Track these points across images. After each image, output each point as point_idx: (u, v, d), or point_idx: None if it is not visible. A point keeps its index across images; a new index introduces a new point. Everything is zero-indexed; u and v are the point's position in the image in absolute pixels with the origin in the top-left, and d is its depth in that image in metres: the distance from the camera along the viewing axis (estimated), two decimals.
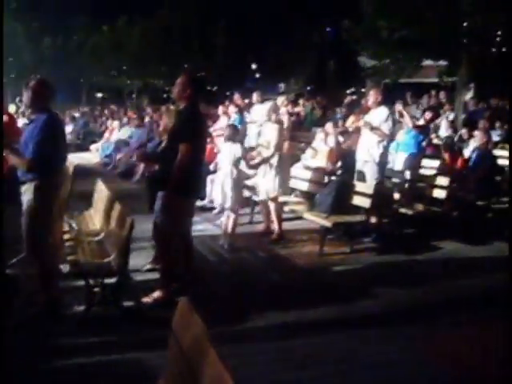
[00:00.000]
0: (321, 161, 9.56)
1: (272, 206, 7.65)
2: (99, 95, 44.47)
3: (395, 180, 8.68)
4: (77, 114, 24.53)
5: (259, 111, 9.17)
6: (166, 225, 5.24)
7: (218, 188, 7.29)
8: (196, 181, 5.42)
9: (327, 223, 6.92)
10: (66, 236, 5.78)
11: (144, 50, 30.94)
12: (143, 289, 5.42)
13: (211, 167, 9.54)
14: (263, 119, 7.92)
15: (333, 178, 8.85)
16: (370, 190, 7.17)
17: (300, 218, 7.97)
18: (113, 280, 4.93)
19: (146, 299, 5.24)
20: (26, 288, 5.10)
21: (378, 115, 7.73)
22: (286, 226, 8.10)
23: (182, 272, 5.52)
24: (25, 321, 4.65)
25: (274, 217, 7.75)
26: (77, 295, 5.09)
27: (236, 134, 7.41)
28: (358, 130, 8.36)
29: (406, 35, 14.23)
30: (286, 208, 8.08)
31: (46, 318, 4.71)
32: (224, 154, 7.32)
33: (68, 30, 33.77)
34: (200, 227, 8.04)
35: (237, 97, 12.65)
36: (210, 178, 9.31)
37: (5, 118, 7.06)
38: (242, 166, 7.28)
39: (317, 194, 7.74)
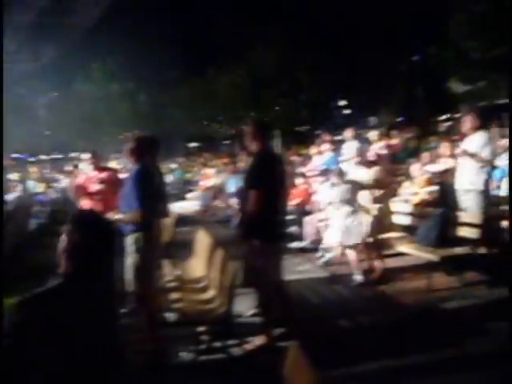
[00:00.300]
0: (419, 191, 9.25)
1: (373, 243, 7.47)
2: (193, 145, 45.96)
3: (503, 207, 8.22)
4: (173, 165, 25.40)
5: (351, 148, 9.14)
6: (251, 270, 5.20)
7: (334, 229, 7.45)
8: (272, 225, 5.22)
9: (434, 257, 6.62)
10: (170, 284, 5.88)
11: (233, 96, 31.73)
12: (247, 334, 5.38)
13: (307, 208, 9.51)
14: (354, 160, 7.95)
15: (434, 209, 8.54)
16: (478, 220, 6.81)
17: (401, 253, 7.70)
18: (219, 326, 4.94)
19: (248, 346, 5.20)
20: (134, 338, 5.20)
21: (476, 141, 7.41)
22: (388, 262, 7.85)
23: (283, 316, 5.43)
24: (133, 371, 4.72)
25: (375, 254, 7.56)
26: (184, 343, 5.13)
27: (343, 175, 7.61)
28: (451, 158, 8.06)
29: (500, 54, 13.68)
30: (387, 244, 7.86)
31: (154, 368, 4.75)
32: (333, 195, 7.55)
33: (161, 84, 35.38)
34: (301, 268, 7.96)
35: (326, 135, 12.62)
36: (306, 219, 9.26)
37: (108, 173, 7.38)
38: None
39: (419, 228, 7.47)
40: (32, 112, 34.52)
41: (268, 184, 5.12)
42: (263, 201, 5.03)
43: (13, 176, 16.17)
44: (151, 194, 4.84)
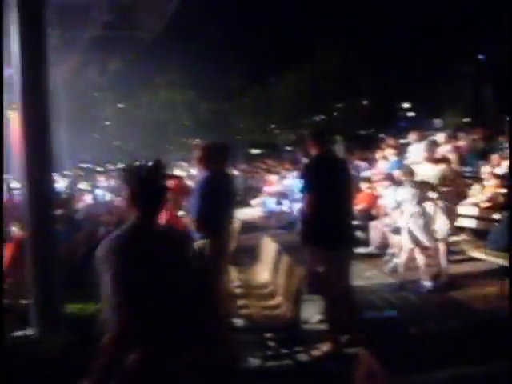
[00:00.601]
0: (489, 194, 8.97)
1: (442, 247, 7.29)
2: (255, 151, 46.13)
3: None
4: (236, 172, 25.54)
5: (417, 151, 8.96)
6: (316, 277, 5.16)
7: (401, 232, 7.35)
8: (331, 231, 5.11)
9: (506, 262, 6.39)
10: (237, 290, 5.93)
11: (295, 103, 31.75)
12: (314, 341, 5.35)
13: (372, 213, 9.40)
14: (420, 159, 7.78)
15: (504, 212, 8.26)
16: None
17: (471, 258, 7.48)
18: (285, 333, 4.94)
19: (315, 352, 5.16)
20: None
21: None
22: (458, 267, 7.64)
23: (350, 323, 5.37)
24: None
25: (442, 259, 7.37)
26: (251, 349, 5.15)
27: (412, 175, 7.42)
28: None
29: None
30: (455, 248, 7.66)
31: (222, 373, 4.78)
32: (401, 195, 7.48)
33: (222, 93, 35.79)
34: (368, 274, 7.87)
35: (390, 139, 12.46)
36: (372, 224, 9.16)
37: (174, 181, 7.54)
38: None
39: (490, 232, 7.24)
40: (99, 123, 35.69)
41: (321, 188, 5.08)
42: (315, 205, 5.01)
43: (82, 185, 16.71)
44: (218, 201, 4.89)
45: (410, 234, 7.15)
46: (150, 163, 2.83)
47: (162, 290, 2.54)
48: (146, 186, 2.72)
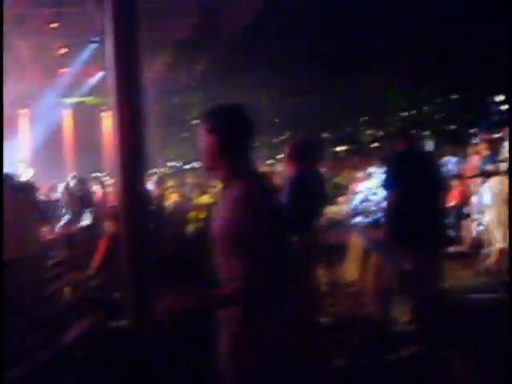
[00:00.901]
0: None
1: None
2: (340, 148, 45.73)
3: None
4: (322, 170, 25.36)
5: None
6: (404, 276, 5.02)
7: (494, 232, 7.20)
8: (416, 230, 4.90)
9: None
10: (324, 288, 5.90)
11: (381, 99, 31.21)
12: (403, 341, 5.23)
13: (465, 210, 9.09)
14: None
15: None
16: None
17: None
18: (373, 332, 4.87)
19: (403, 353, 5.04)
20: None
21: None
22: None
23: (439, 325, 5.20)
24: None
25: None
26: (338, 348, 5.10)
27: None
28: None
29: None
30: None
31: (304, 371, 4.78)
32: (492, 195, 7.25)
33: (307, 90, 35.72)
34: (459, 274, 7.61)
35: (483, 134, 11.98)
36: (464, 222, 8.85)
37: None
38: None
39: None
40: (187, 122, 36.59)
41: (405, 184, 4.95)
42: (399, 202, 4.89)
43: (170, 183, 17.18)
44: (310, 199, 4.86)
45: (501, 233, 6.86)
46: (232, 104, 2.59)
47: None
48: (238, 125, 2.50)
